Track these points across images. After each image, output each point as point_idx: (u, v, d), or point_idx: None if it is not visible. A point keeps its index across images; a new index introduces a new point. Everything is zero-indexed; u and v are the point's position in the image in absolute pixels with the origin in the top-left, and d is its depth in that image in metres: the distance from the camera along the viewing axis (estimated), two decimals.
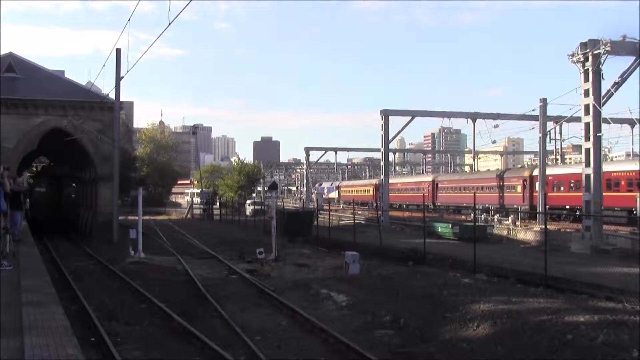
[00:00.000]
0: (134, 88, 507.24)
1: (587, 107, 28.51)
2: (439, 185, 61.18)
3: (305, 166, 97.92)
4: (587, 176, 28.66)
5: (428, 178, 67.16)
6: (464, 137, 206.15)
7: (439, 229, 35.21)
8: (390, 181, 65.55)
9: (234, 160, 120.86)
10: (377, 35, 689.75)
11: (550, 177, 43.62)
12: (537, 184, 43.90)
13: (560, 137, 53.69)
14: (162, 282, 19.44)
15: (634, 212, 33.27)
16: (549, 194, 41.00)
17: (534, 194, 44.96)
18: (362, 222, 42.85)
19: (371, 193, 74.77)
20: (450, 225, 35.32)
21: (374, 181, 75.96)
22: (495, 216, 44.75)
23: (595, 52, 27.78)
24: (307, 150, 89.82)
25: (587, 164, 28.76)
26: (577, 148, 57.01)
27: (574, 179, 39.98)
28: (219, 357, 10.60)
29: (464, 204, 49.33)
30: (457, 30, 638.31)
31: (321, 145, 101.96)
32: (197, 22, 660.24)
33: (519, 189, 48.88)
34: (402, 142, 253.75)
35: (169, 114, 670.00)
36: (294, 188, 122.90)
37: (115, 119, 37.10)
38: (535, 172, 45.35)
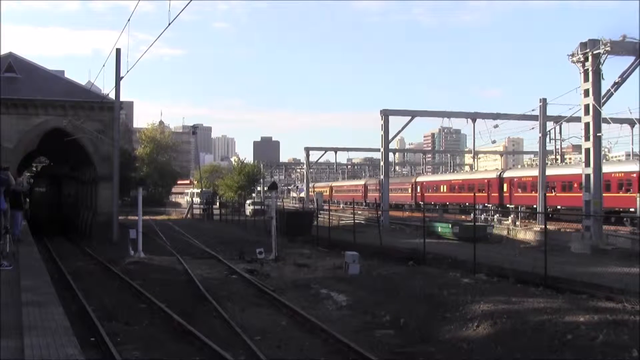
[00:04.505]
0: (134, 88, 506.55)
1: (587, 107, 28.52)
2: (368, 187, 78.80)
3: (305, 166, 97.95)
4: (587, 176, 28.68)
5: (361, 182, 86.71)
6: (464, 137, 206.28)
7: (439, 229, 35.24)
8: (339, 184, 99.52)
9: (234, 160, 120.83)
10: (377, 35, 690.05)
11: (424, 183, 65.79)
12: (418, 187, 65.30)
13: (560, 137, 53.74)
14: (162, 282, 19.42)
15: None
16: (425, 194, 63.30)
17: (417, 194, 64.91)
18: (362, 222, 42.86)
19: (327, 193, 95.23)
20: (450, 225, 35.39)
21: (330, 183, 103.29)
22: (495, 216, 44.82)
23: (595, 52, 27.80)
24: (307, 150, 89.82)
25: (587, 164, 28.77)
26: (577, 148, 57.07)
27: (437, 184, 63.13)
28: (219, 357, 10.59)
29: None
30: (457, 30, 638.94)
31: (321, 145, 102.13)
32: (196, 22, 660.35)
33: (410, 190, 66.76)
34: (402, 142, 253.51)
35: (169, 114, 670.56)
36: (301, 185, 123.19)
37: (115, 119, 37.09)
38: (419, 179, 68.05)
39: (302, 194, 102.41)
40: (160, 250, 28.59)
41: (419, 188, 65.07)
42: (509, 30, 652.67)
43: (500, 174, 53.81)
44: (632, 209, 35.69)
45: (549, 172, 42.82)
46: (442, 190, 60.91)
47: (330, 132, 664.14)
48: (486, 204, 50.02)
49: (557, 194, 42.80)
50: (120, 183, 37.04)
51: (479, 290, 15.88)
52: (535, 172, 45.28)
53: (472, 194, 49.24)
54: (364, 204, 70.36)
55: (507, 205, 48.28)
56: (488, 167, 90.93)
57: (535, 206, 42.05)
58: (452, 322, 13.23)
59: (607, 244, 28.07)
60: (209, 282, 19.21)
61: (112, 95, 36.54)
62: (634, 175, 37.16)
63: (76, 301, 15.62)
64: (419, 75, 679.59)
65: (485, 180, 54.57)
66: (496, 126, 49.69)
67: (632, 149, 57.30)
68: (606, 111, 29.57)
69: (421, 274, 19.46)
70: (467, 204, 50.80)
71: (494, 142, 53.43)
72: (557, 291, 16.05)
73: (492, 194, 51.82)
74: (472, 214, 38.19)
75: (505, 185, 51.13)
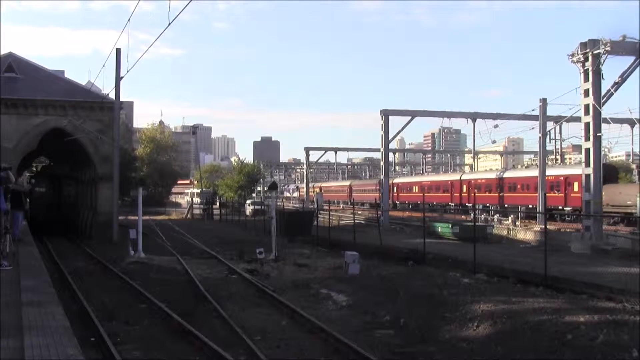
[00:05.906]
0: (134, 88, 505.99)
1: (587, 107, 28.51)
2: (353, 188, 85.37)
3: (305, 166, 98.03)
4: (587, 176, 28.65)
5: (347, 183, 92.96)
6: (464, 137, 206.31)
7: (439, 229, 35.23)
8: (327, 184, 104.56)
9: (234, 160, 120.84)
10: (377, 35, 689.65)
11: (400, 184, 70.80)
12: (395, 188, 67.80)
13: (560, 137, 53.71)
14: (162, 282, 19.43)
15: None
16: (401, 194, 69.30)
17: (394, 194, 67.58)
18: (362, 222, 42.86)
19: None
20: (450, 225, 35.36)
21: (320, 184, 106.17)
22: (495, 216, 44.88)
23: (595, 52, 27.79)
24: (307, 150, 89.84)
25: (587, 164, 28.75)
26: (577, 148, 57.08)
27: (410, 185, 69.34)
28: (219, 357, 10.60)
29: (365, 201, 66.69)
30: (457, 30, 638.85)
31: (321, 145, 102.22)
32: (196, 22, 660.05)
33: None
34: (402, 142, 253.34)
35: (169, 114, 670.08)
36: (293, 186, 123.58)
37: (115, 119, 37.07)
38: (395, 180, 71.36)
39: (295, 194, 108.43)
40: (160, 250, 28.58)
41: (395, 189, 69.08)
42: (509, 30, 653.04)
43: (461, 176, 61.22)
44: (559, 207, 43.54)
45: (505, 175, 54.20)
46: (414, 190, 66.09)
47: (330, 132, 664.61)
48: (449, 203, 57.70)
49: (506, 194, 50.85)
50: (120, 183, 37.03)
51: (479, 290, 15.90)
52: (488, 175, 57.90)
53: (439, 194, 61.36)
54: (349, 203, 74.90)
55: (466, 204, 53.11)
56: (488, 167, 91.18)
57: (488, 204, 50.95)
58: (452, 322, 13.24)
59: (607, 243, 28.05)
60: (209, 282, 19.20)
61: (112, 95, 36.52)
62: (561, 178, 44.55)
63: (76, 301, 15.62)
64: (419, 75, 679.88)
65: (449, 182, 60.58)
66: (496, 126, 49.76)
67: (632, 149, 57.40)
68: (606, 111, 29.58)
69: (421, 274, 19.47)
70: (434, 203, 58.86)
71: (494, 142, 53.80)
72: (557, 291, 16.06)
73: (455, 194, 57.62)
74: (471, 215, 38.23)
75: (464, 187, 56.80)
